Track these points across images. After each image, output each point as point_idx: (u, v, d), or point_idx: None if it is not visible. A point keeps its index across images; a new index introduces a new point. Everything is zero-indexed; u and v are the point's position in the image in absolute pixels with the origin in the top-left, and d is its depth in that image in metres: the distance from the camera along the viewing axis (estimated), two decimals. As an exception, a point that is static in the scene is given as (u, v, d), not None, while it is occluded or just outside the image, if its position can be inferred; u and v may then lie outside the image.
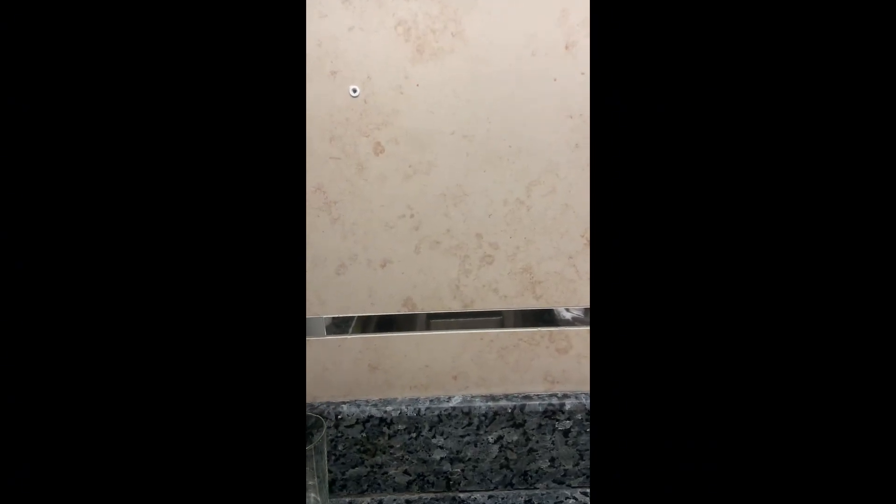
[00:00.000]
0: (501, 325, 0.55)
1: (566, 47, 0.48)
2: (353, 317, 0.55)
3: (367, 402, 0.56)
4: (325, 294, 0.54)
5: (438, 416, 0.55)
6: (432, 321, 0.56)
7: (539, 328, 0.55)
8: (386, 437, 0.55)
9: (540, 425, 0.55)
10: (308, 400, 0.57)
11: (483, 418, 0.55)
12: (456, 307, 0.54)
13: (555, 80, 0.49)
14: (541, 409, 0.55)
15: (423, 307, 0.54)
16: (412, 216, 0.52)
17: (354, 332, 0.55)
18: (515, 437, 0.56)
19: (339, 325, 0.55)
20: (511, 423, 0.55)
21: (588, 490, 0.57)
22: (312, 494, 0.52)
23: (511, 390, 0.57)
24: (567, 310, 0.55)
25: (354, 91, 0.49)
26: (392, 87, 0.49)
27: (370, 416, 0.55)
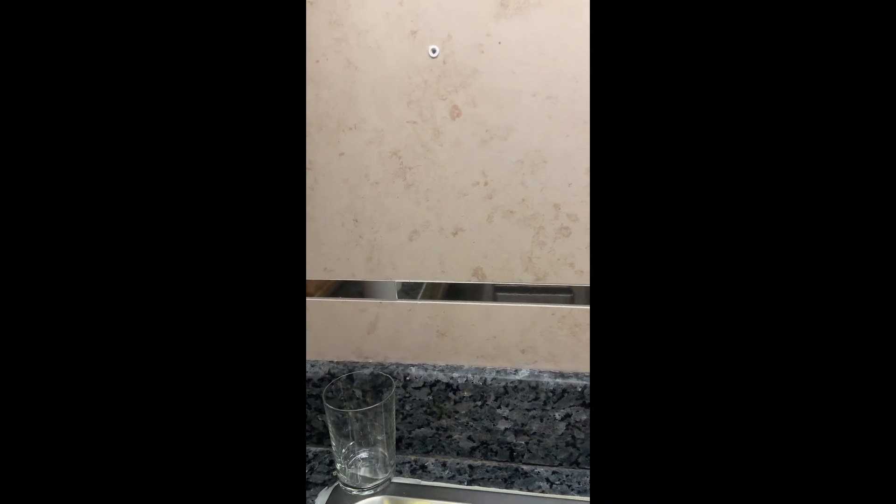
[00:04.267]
0: (571, 302, 0.52)
1: (671, -6, 0.42)
2: (423, 283, 0.55)
3: (434, 366, 0.57)
4: (397, 259, 0.54)
5: (504, 387, 0.54)
6: (498, 294, 0.54)
7: (617, 307, 0.52)
8: (452, 403, 0.56)
9: (611, 408, 0.53)
10: (379, 360, 0.59)
11: (551, 394, 0.54)
12: (527, 280, 0.53)
13: (655, 33, 0.43)
14: (613, 391, 0.52)
15: (493, 278, 0.53)
16: (486, 184, 0.50)
17: (423, 298, 0.56)
18: (584, 417, 0.54)
19: (408, 292, 0.56)
20: (581, 402, 0.54)
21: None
22: (381, 449, 0.55)
23: (582, 369, 0.55)
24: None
25: (434, 51, 0.47)
26: (473, 45, 0.46)
27: (437, 381, 0.56)
